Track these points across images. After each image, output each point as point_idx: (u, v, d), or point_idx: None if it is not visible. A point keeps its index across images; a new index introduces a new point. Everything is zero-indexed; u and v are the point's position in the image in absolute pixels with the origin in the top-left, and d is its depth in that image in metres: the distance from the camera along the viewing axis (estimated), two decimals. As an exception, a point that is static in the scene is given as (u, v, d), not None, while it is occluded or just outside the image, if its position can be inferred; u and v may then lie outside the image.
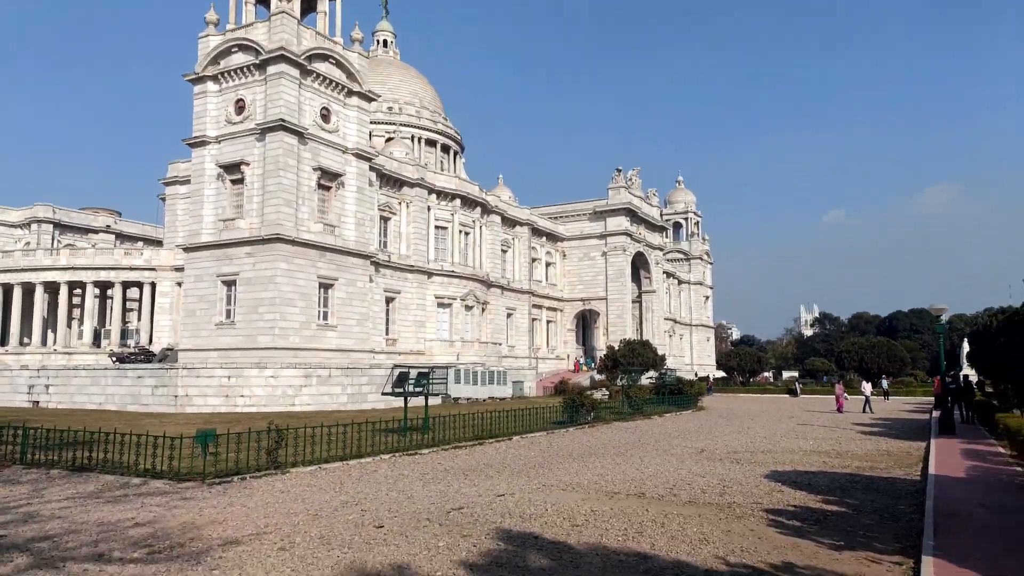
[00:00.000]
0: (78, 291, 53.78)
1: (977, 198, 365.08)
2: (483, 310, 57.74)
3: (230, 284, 40.77)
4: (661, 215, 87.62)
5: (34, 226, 64.56)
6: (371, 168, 46.86)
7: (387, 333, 50.02)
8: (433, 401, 35.53)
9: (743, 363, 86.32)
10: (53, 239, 64.18)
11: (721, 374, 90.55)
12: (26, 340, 53.05)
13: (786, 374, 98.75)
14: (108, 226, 70.05)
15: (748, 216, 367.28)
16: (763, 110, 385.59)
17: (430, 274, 53.45)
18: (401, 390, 21.64)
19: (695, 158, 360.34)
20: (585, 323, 76.52)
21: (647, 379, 50.57)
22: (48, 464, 15.67)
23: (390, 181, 50.96)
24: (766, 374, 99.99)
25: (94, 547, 8.76)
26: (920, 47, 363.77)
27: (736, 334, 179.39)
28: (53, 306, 53.66)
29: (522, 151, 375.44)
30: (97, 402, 38.21)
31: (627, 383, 41.70)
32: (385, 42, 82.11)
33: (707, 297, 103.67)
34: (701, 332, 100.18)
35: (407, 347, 50.56)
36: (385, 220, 51.16)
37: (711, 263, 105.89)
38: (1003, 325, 26.92)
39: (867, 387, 43.79)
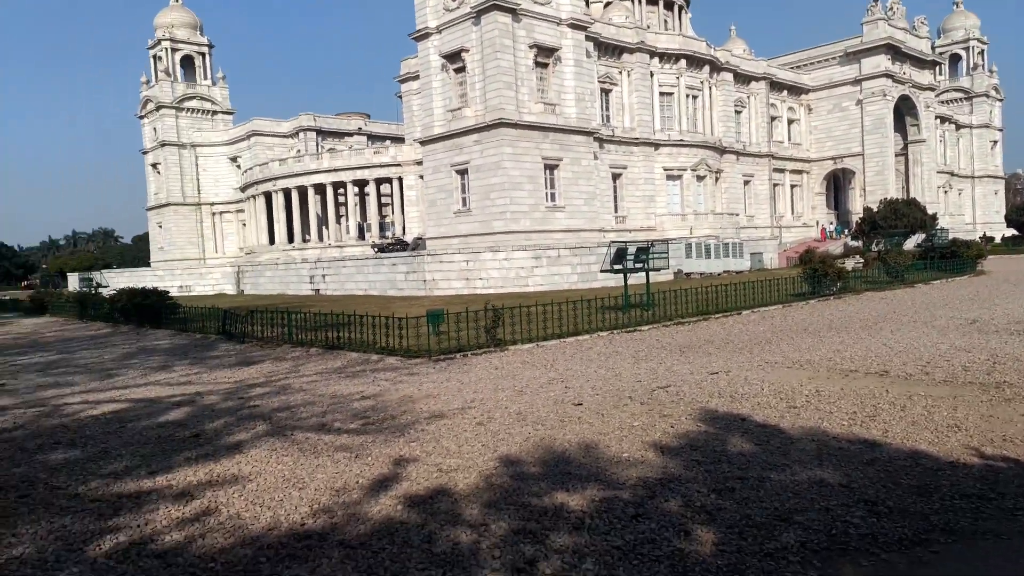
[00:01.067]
0: (341, 190, 60.08)
1: None
2: (716, 179, 54.41)
3: (463, 173, 42.56)
4: (933, 48, 74.12)
5: (300, 134, 72.63)
6: (587, 38, 44.98)
7: (615, 211, 49.41)
8: (664, 277, 34.83)
9: (1043, 218, 72.42)
10: (317, 145, 71.87)
11: (1012, 232, 77.20)
12: (307, 237, 61.19)
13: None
14: (359, 128, 76.56)
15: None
16: None
17: (657, 145, 51.16)
18: (620, 267, 21.15)
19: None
20: (837, 185, 68.99)
21: (913, 244, 44.62)
22: (309, 343, 17.88)
23: (608, 50, 48.65)
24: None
25: (321, 418, 9.72)
26: None
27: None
28: (323, 205, 60.76)
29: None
30: (363, 288, 43.04)
31: (885, 248, 37.05)
32: None
33: (995, 142, 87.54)
34: (987, 185, 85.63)
35: (636, 224, 49.66)
36: (606, 92, 49.37)
37: (1001, 99, 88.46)
38: None
39: None
